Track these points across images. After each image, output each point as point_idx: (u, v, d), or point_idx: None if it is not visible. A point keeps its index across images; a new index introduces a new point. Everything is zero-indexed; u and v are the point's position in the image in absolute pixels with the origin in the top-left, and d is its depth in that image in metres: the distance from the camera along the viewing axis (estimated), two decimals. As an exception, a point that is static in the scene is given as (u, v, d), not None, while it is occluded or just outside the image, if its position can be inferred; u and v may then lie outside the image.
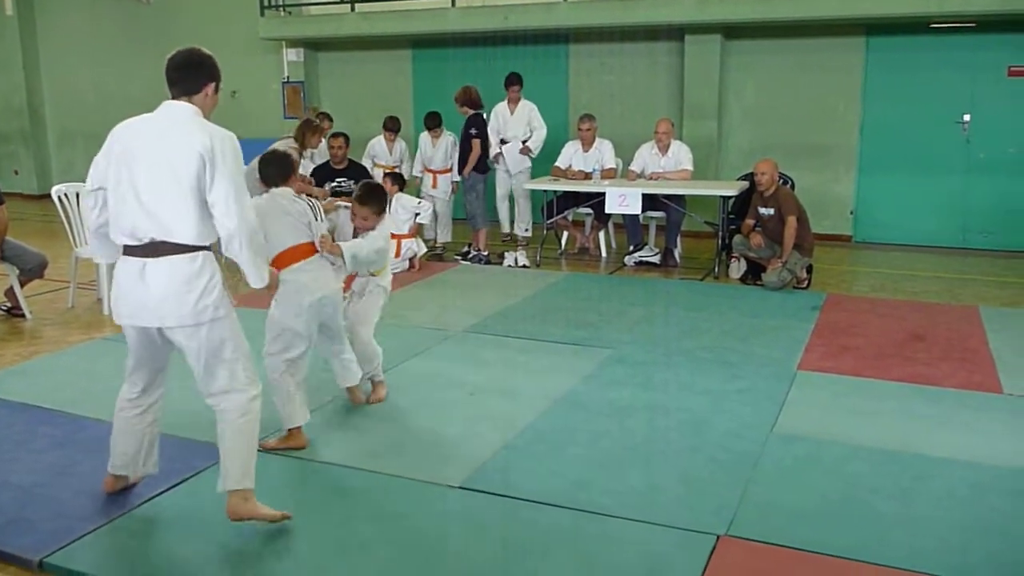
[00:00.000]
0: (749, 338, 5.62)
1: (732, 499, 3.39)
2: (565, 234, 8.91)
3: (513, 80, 8.53)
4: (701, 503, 3.37)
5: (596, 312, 6.28)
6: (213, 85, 3.07)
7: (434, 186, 8.62)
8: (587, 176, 8.36)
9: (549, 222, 8.49)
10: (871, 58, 9.09)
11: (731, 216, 7.80)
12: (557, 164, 8.63)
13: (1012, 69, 8.60)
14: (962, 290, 7.13)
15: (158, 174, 2.89)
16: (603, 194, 7.78)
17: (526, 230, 8.76)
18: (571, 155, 8.60)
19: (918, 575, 2.87)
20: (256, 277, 3.10)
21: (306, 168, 7.67)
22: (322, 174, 8.00)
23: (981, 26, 8.54)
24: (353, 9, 10.52)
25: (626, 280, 7.57)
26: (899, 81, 9.01)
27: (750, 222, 7.23)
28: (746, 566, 2.95)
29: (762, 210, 7.09)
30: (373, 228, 4.22)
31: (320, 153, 8.27)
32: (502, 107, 8.62)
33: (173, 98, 3.02)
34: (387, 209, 4.42)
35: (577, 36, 10.13)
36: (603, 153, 8.48)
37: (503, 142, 8.56)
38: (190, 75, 3.02)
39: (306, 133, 7.39)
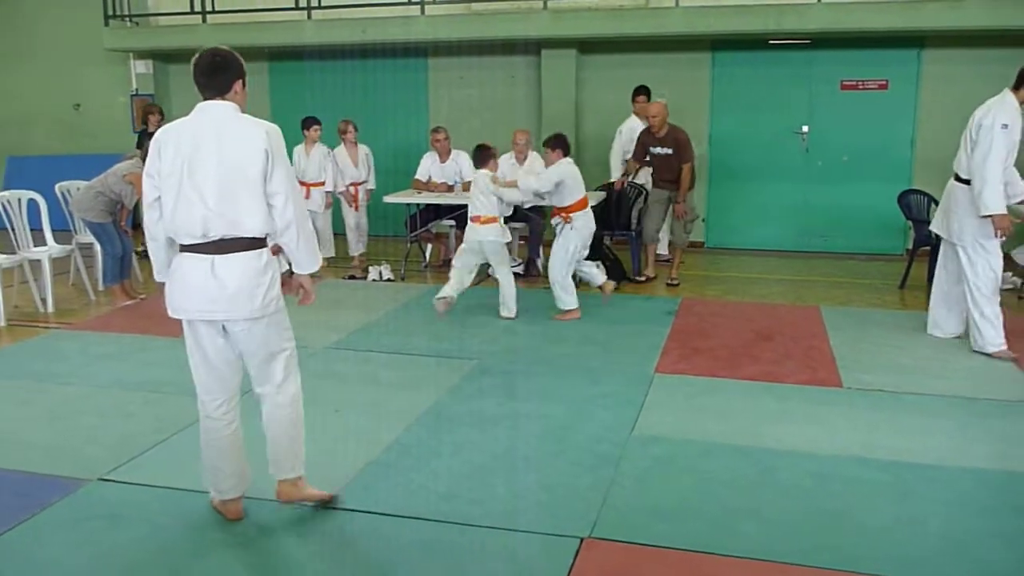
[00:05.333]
0: (609, 344, 5.79)
1: (595, 502, 3.49)
2: (429, 247, 8.92)
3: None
4: (565, 507, 3.45)
5: (460, 324, 6.31)
6: (240, 81, 3.13)
7: (307, 198, 8.42)
8: (449, 188, 8.39)
9: (412, 236, 8.47)
10: (717, 72, 9.55)
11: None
12: (417, 177, 8.62)
13: (844, 83, 9.25)
14: (804, 291, 7.57)
15: (226, 174, 2.97)
16: (465, 206, 7.81)
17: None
18: (428, 167, 8.59)
19: (766, 563, 3.03)
20: (309, 261, 3.25)
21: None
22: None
23: (816, 43, 9.13)
24: (205, 20, 10.22)
25: (489, 291, 7.63)
26: (743, 94, 9.51)
27: (634, 163, 7.91)
28: (609, 566, 3.04)
29: (656, 149, 7.60)
30: None
31: None
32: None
33: (206, 99, 3.09)
34: None
35: (436, 50, 10.18)
36: (460, 164, 8.52)
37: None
38: (218, 77, 3.08)
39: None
